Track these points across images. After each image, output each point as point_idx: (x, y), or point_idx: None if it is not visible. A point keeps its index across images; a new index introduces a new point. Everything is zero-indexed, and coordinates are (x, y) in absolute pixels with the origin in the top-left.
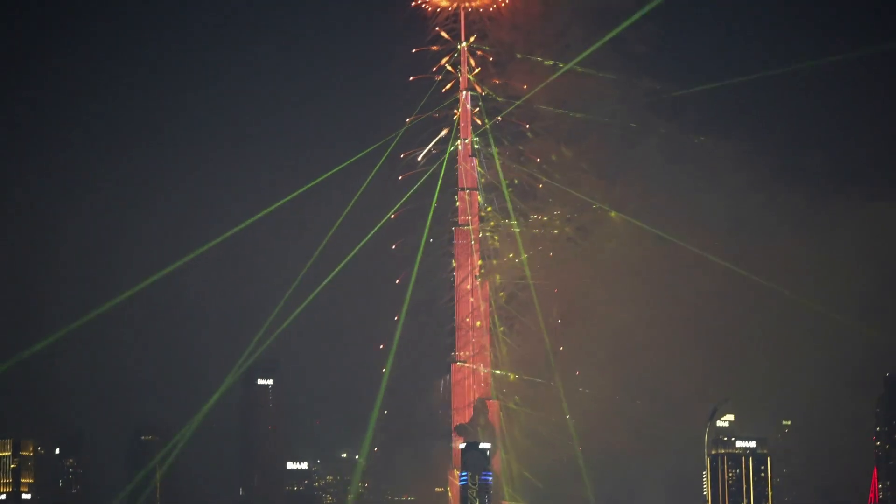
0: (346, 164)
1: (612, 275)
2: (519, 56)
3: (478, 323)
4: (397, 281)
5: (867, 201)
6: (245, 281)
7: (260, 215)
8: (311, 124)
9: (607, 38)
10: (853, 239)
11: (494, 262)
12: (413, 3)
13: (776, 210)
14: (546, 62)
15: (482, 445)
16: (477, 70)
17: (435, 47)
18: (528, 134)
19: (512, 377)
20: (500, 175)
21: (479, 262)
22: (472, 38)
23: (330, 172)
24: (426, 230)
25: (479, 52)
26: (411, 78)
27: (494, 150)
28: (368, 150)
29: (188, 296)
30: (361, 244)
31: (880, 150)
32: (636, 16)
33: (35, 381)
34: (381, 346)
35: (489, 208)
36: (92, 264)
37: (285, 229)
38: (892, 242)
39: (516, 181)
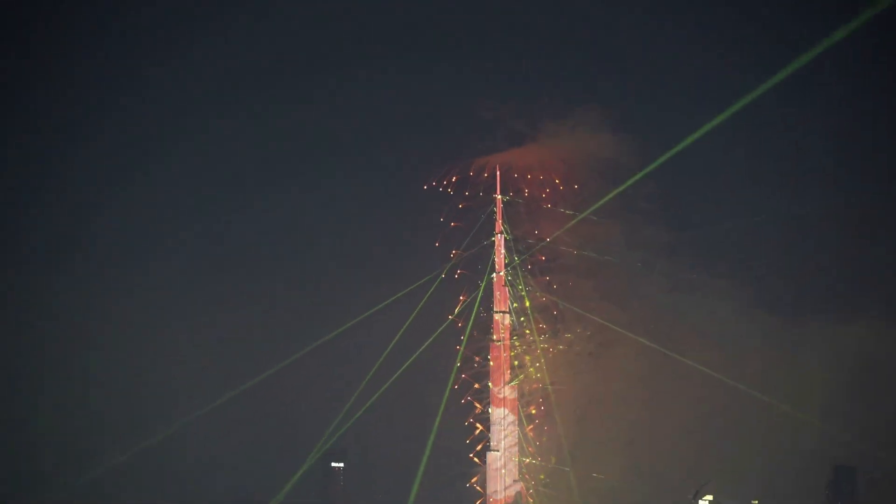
0: (409, 288)
1: (623, 383)
2: (545, 207)
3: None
4: (456, 386)
5: (832, 325)
6: (323, 380)
7: (340, 330)
8: (382, 257)
9: (614, 193)
10: (819, 354)
11: (522, 375)
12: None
13: (756, 331)
14: (567, 212)
15: None
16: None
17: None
18: (552, 269)
19: (536, 462)
20: (527, 302)
21: (511, 372)
22: (507, 195)
23: (397, 295)
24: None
25: (512, 203)
26: (452, 224)
27: (520, 281)
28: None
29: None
30: (411, 359)
31: (843, 285)
32: (638, 175)
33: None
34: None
35: (524, 328)
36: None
37: (360, 342)
38: (850, 358)
39: (543, 306)
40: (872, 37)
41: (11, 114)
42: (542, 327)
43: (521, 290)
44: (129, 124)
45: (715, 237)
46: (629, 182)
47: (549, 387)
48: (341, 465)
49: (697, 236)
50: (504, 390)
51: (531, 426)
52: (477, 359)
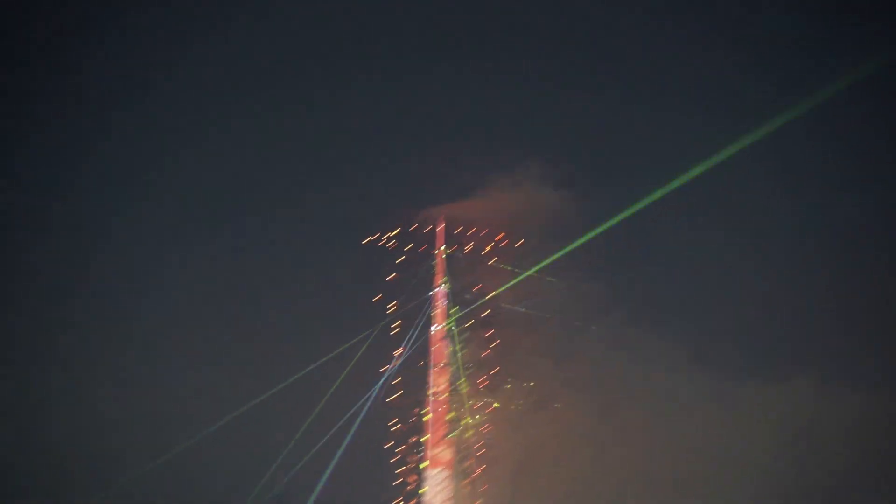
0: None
1: (559, 440)
2: (487, 262)
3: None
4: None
5: (768, 383)
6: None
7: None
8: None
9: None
10: (755, 410)
11: (462, 424)
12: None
13: (693, 389)
14: (507, 267)
15: None
16: (451, 269)
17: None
18: (492, 324)
19: None
20: (464, 357)
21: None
22: (449, 248)
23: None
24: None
25: (454, 257)
26: (388, 278)
27: (459, 335)
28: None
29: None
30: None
31: (780, 344)
32: (584, 238)
33: None
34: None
35: (460, 382)
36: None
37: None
38: (786, 414)
39: (482, 361)
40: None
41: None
42: (481, 382)
43: (460, 345)
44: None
45: (651, 296)
46: (573, 243)
47: (486, 442)
48: None
49: (635, 295)
50: (439, 445)
51: (466, 481)
52: (416, 410)
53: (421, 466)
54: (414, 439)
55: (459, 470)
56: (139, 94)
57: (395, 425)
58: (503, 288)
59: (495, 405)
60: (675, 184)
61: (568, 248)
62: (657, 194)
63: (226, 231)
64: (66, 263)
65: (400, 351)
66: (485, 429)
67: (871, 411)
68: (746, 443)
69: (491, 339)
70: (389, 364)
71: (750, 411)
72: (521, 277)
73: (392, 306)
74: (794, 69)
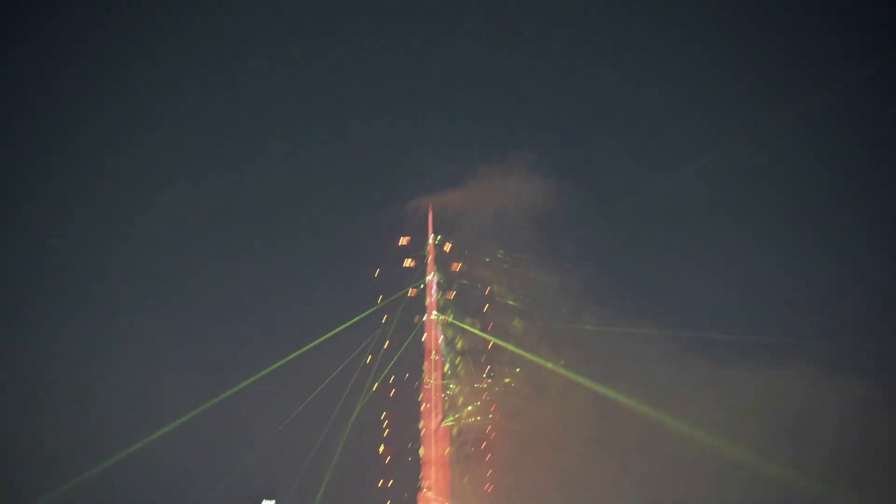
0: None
1: (557, 426)
2: (479, 249)
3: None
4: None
5: (761, 370)
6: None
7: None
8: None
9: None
10: (750, 397)
11: (456, 415)
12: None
13: (687, 375)
14: (500, 254)
15: None
16: (443, 258)
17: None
18: (487, 312)
19: None
20: (459, 344)
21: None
22: (439, 238)
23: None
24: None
25: (444, 246)
26: (377, 272)
27: (448, 320)
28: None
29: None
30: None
31: (773, 331)
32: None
33: None
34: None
35: (455, 370)
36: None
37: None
38: (780, 401)
39: (477, 348)
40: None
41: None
42: (477, 369)
43: (454, 332)
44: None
45: (646, 284)
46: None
47: (483, 428)
48: (272, 502)
49: (629, 283)
50: (435, 433)
51: (464, 467)
52: (411, 399)
53: (419, 455)
54: (409, 430)
55: (457, 459)
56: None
57: (388, 416)
58: (495, 276)
59: (494, 389)
60: (670, 172)
61: (555, 235)
62: (651, 182)
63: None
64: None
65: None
66: (482, 416)
67: (867, 396)
68: (742, 427)
69: (485, 327)
70: (381, 354)
71: (744, 396)
72: (512, 265)
73: (384, 297)
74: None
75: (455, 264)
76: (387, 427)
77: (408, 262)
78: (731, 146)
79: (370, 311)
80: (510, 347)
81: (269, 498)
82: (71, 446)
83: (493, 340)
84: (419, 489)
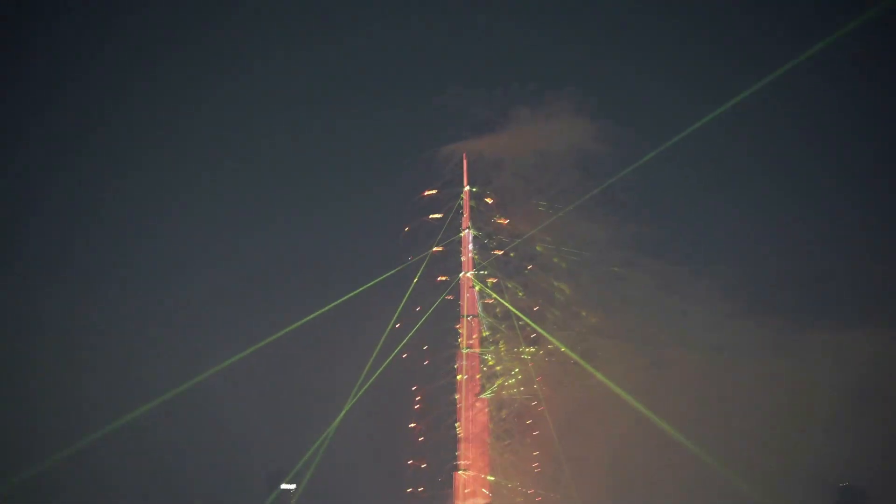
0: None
1: (608, 396)
2: (519, 201)
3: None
4: (416, 408)
5: (838, 332)
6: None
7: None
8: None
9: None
10: (825, 363)
11: (498, 382)
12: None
13: (751, 337)
14: (542, 206)
15: None
16: (480, 211)
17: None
18: (528, 269)
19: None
20: (500, 306)
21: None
22: (474, 187)
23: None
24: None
25: (483, 197)
26: (430, 217)
27: (485, 280)
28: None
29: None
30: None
31: (848, 289)
32: (626, 170)
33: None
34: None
35: (494, 334)
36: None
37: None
38: (857, 368)
39: (518, 311)
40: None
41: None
42: (517, 334)
43: (493, 292)
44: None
45: (706, 234)
46: (612, 178)
47: (527, 400)
48: (293, 486)
49: (686, 233)
50: (473, 406)
51: (506, 443)
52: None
53: (455, 430)
54: (443, 403)
55: (497, 433)
56: None
57: (420, 389)
58: (536, 230)
59: (537, 355)
60: (728, 110)
61: (606, 185)
62: (707, 122)
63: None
64: None
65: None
66: (524, 387)
67: None
68: (807, 395)
69: (526, 287)
70: (412, 317)
71: (811, 362)
72: (556, 218)
73: (415, 255)
74: None
75: (492, 218)
76: (419, 401)
77: (434, 217)
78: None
79: (396, 270)
80: (555, 310)
81: (290, 482)
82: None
83: (533, 302)
84: (455, 468)
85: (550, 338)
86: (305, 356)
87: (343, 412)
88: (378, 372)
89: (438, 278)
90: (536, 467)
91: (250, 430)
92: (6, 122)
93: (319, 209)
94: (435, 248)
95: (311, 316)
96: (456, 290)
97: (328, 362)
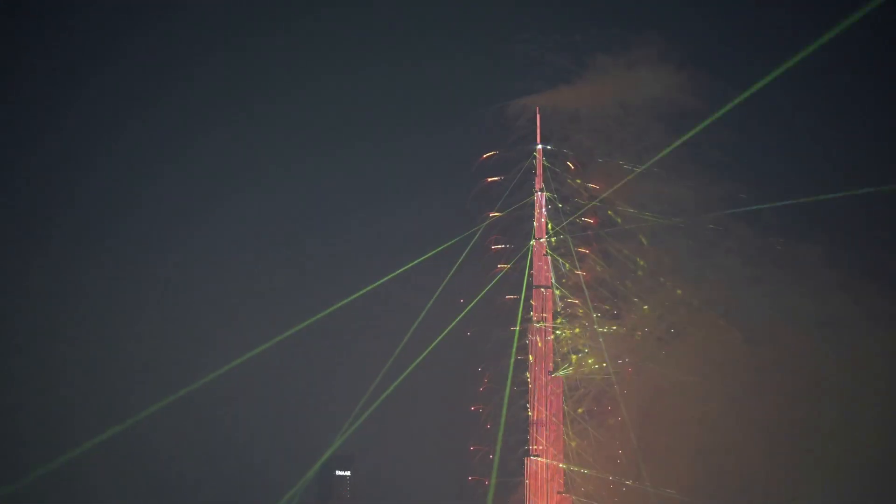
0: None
1: (699, 376)
2: (597, 159)
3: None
4: (481, 390)
5: None
6: (326, 373)
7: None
8: (384, 225)
9: (681, 140)
10: None
11: (574, 357)
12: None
13: (865, 315)
14: (624, 165)
15: None
16: (555, 171)
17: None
18: (608, 235)
19: (587, 472)
20: (577, 275)
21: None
22: (548, 144)
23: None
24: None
25: (558, 156)
26: (489, 180)
27: (568, 249)
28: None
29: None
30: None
31: None
32: (709, 120)
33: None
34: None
35: (569, 306)
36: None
37: (366, 324)
38: None
39: (597, 281)
40: None
41: None
42: (596, 306)
43: (567, 263)
44: None
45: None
46: (696, 129)
47: (606, 379)
48: (347, 473)
49: (786, 195)
50: (547, 384)
51: (582, 428)
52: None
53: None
54: (513, 383)
55: (572, 416)
56: None
57: (486, 369)
58: (617, 191)
59: (619, 331)
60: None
61: (696, 142)
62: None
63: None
64: None
65: (493, 271)
66: (602, 364)
67: None
68: None
69: (605, 254)
70: (480, 287)
71: None
72: (639, 177)
73: (485, 217)
74: None
75: (568, 179)
76: (486, 381)
77: (493, 179)
78: None
79: (459, 238)
80: (637, 280)
81: (344, 469)
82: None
83: (614, 271)
84: (526, 454)
85: (632, 312)
86: (360, 333)
87: (387, 390)
88: (429, 349)
89: (494, 247)
90: (619, 455)
91: (303, 412)
92: None
93: (375, 172)
94: (493, 214)
95: (372, 286)
96: (526, 259)
97: (382, 339)
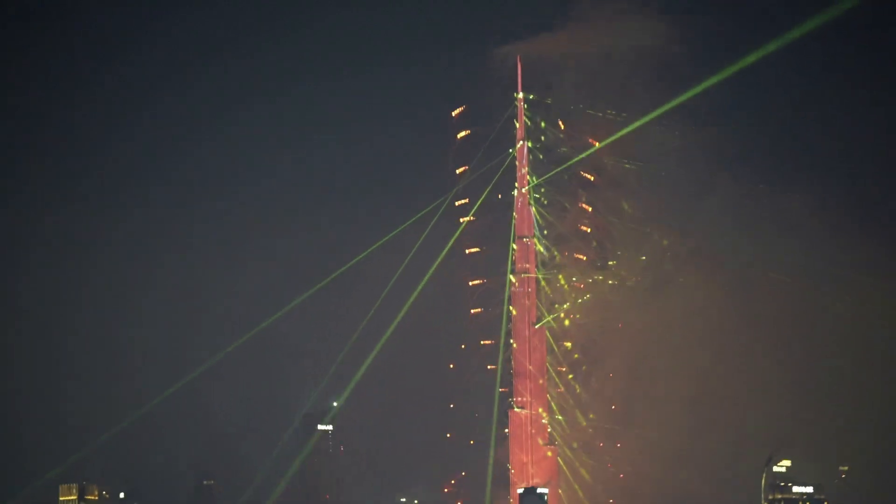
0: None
1: (686, 326)
2: (581, 108)
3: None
4: (461, 347)
5: None
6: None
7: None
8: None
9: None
10: None
11: (558, 307)
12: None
13: (853, 257)
14: (609, 114)
15: (539, 490)
16: (536, 121)
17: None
18: (593, 185)
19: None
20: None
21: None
22: (530, 94)
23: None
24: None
25: (539, 103)
26: (464, 133)
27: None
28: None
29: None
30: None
31: None
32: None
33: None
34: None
35: (552, 256)
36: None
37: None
38: None
39: (582, 232)
40: None
41: None
42: (582, 257)
43: (550, 213)
44: None
45: (795, 146)
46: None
47: (592, 331)
48: (329, 427)
49: (772, 145)
50: (531, 336)
51: (569, 378)
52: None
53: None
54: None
55: (556, 370)
56: None
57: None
58: (603, 141)
59: (606, 282)
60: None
61: (683, 92)
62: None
63: None
64: None
65: (469, 219)
66: (588, 316)
67: None
68: None
69: (591, 204)
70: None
71: None
72: (625, 128)
73: (463, 169)
74: None
75: (552, 128)
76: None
77: (463, 134)
78: None
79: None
80: (623, 231)
81: (326, 423)
82: None
83: (599, 221)
84: (510, 407)
85: (618, 263)
86: (353, 294)
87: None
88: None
89: (457, 202)
90: (610, 410)
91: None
92: None
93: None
94: (459, 170)
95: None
96: (509, 208)
97: (366, 297)
